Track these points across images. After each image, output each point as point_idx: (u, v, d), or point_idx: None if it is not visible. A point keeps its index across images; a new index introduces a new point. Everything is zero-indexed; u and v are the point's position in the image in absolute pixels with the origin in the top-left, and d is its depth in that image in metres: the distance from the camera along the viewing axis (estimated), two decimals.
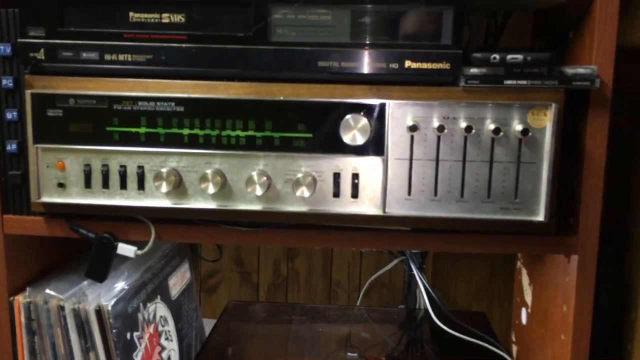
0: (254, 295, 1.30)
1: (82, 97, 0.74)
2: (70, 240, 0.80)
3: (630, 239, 0.82)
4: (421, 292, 1.06)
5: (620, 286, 0.85)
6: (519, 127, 0.70)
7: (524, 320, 1.00)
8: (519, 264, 1.05)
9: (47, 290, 0.82)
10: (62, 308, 0.81)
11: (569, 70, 0.69)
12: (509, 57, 0.68)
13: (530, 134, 0.70)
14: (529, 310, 0.97)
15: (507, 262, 1.19)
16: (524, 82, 0.69)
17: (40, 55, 0.74)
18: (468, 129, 0.70)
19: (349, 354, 1.01)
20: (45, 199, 0.76)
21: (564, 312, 0.79)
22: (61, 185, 0.76)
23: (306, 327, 1.11)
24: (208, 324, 1.12)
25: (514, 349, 1.05)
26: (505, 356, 0.95)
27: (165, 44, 0.73)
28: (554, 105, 0.69)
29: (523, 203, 0.72)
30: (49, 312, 0.82)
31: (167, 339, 0.97)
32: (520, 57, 0.68)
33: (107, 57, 0.74)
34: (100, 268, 0.78)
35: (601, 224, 0.74)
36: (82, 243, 0.81)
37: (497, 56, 0.69)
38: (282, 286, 1.29)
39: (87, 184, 0.75)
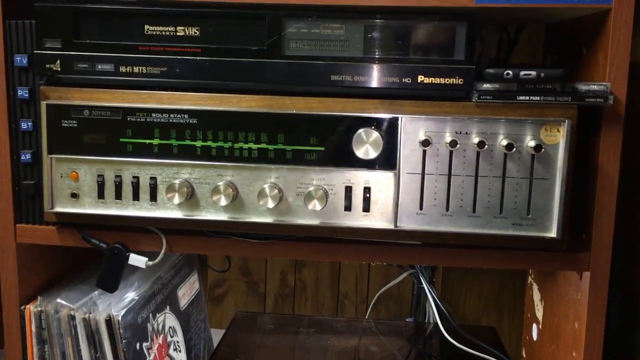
0: (260, 306, 1.29)
1: (96, 108, 0.74)
2: (82, 250, 0.81)
3: (637, 252, 0.82)
4: (431, 305, 1.05)
5: (627, 299, 0.84)
6: (531, 143, 0.70)
7: (534, 336, 0.99)
8: (530, 279, 1.04)
9: (58, 300, 0.82)
10: (72, 317, 0.81)
11: (582, 87, 0.69)
12: (522, 73, 0.68)
13: (543, 150, 0.70)
14: (540, 326, 0.97)
15: (517, 277, 1.19)
16: (537, 98, 0.69)
17: (56, 66, 0.75)
18: (481, 144, 0.70)
19: None
20: (58, 208, 0.76)
21: (575, 329, 0.78)
22: (74, 195, 0.76)
23: (314, 339, 1.11)
24: (215, 334, 1.12)
25: None
26: None
27: (179, 57, 0.74)
28: (567, 121, 0.69)
29: (535, 219, 0.72)
30: (59, 322, 0.82)
31: (175, 349, 0.97)
32: (533, 73, 0.68)
33: (122, 69, 0.74)
34: (111, 278, 0.78)
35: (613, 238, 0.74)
36: (94, 253, 0.81)
37: (510, 72, 0.69)
38: (290, 297, 1.28)
39: (100, 194, 0.76)
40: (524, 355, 1.05)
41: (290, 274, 1.27)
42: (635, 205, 0.84)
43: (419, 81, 0.72)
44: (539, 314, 0.97)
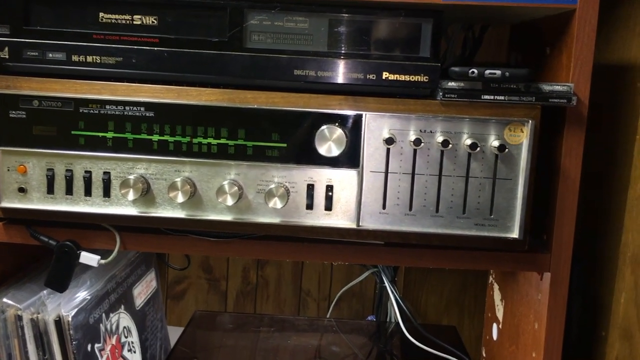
0: (222, 303, 1.27)
1: (46, 98, 0.71)
2: (31, 247, 0.77)
3: (601, 260, 0.82)
4: (392, 304, 1.05)
5: (590, 304, 0.85)
6: (495, 143, 0.69)
7: (494, 336, 1.00)
8: (491, 279, 1.05)
9: (5, 299, 0.78)
10: (19, 318, 0.78)
11: (546, 87, 0.69)
12: (487, 72, 0.68)
13: (507, 150, 0.69)
14: (500, 326, 0.97)
15: (479, 277, 1.19)
16: (502, 97, 0.69)
17: (4, 54, 0.71)
18: (445, 143, 0.69)
19: None
20: (5, 204, 0.73)
21: (535, 330, 0.78)
22: (22, 190, 0.72)
23: (275, 338, 1.09)
24: (174, 332, 1.09)
25: None
26: None
27: (135, 47, 0.71)
28: (530, 121, 0.69)
29: (498, 220, 0.71)
30: (5, 322, 0.78)
31: (130, 350, 0.93)
32: (498, 72, 0.68)
33: (75, 58, 0.71)
34: (61, 277, 0.75)
35: (574, 241, 0.74)
36: (44, 251, 0.78)
37: (476, 71, 0.68)
38: (251, 294, 1.26)
39: (50, 189, 0.72)
40: (484, 355, 1.05)
41: (252, 271, 1.25)
42: (600, 209, 0.84)
43: (383, 78, 0.71)
44: (499, 314, 0.97)
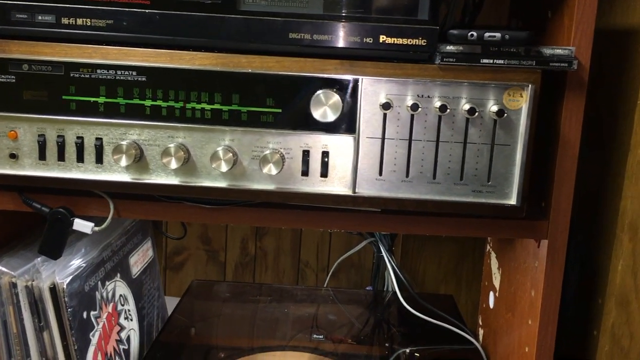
0: (220, 274, 1.27)
1: (36, 62, 0.69)
2: (24, 214, 0.76)
3: (600, 228, 0.82)
4: (389, 274, 1.05)
5: (587, 272, 0.85)
6: (494, 108, 0.68)
7: (491, 304, 1.00)
8: (488, 247, 1.04)
9: None
10: (14, 285, 0.77)
11: (547, 51, 0.67)
12: (487, 34, 0.66)
13: (505, 115, 0.68)
14: (497, 295, 0.97)
15: (477, 245, 1.19)
16: (501, 61, 0.67)
17: None
18: (442, 108, 0.68)
19: (315, 336, 1.00)
20: None
21: (532, 298, 0.78)
22: (13, 156, 0.71)
23: (272, 308, 1.09)
24: (173, 303, 1.09)
25: (481, 332, 1.05)
26: (472, 339, 0.95)
27: (127, 9, 0.69)
28: (530, 86, 0.67)
29: (495, 186, 0.70)
30: (0, 289, 0.77)
31: (126, 318, 0.93)
32: (498, 35, 0.66)
33: (65, 21, 0.69)
34: (54, 244, 0.74)
35: (573, 209, 0.73)
36: (38, 218, 0.77)
37: (475, 33, 0.66)
38: (250, 265, 1.27)
39: (42, 155, 0.71)
40: (480, 323, 1.06)
41: (251, 242, 1.25)
42: (601, 182, 0.83)
43: (381, 41, 0.69)
44: (496, 282, 0.97)
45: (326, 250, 1.26)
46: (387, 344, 1.00)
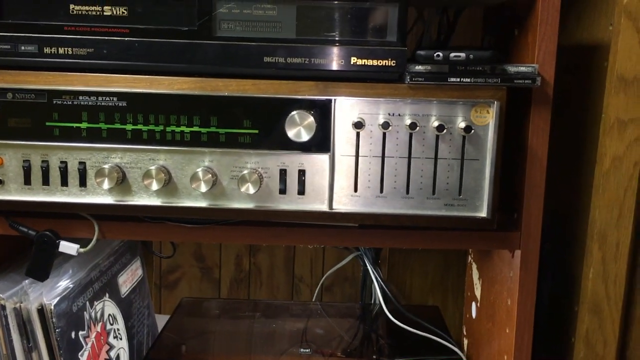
0: (215, 291, 1.28)
1: (20, 91, 0.72)
2: (12, 238, 0.78)
3: (573, 235, 0.84)
4: (375, 287, 1.06)
5: (563, 281, 0.87)
6: (462, 125, 0.71)
7: (474, 314, 1.02)
8: (469, 258, 1.06)
9: None
10: (3, 307, 0.79)
11: (511, 69, 0.70)
12: (452, 54, 0.69)
13: (473, 131, 0.71)
14: (478, 305, 0.99)
15: (461, 257, 1.21)
16: (468, 79, 0.70)
17: None
18: (413, 125, 0.70)
19: (302, 350, 1.02)
20: None
21: (508, 306, 0.80)
22: None
23: (261, 323, 1.11)
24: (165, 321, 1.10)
25: (465, 342, 1.06)
26: (456, 350, 0.97)
27: (106, 37, 0.71)
28: (496, 102, 0.70)
29: (467, 199, 0.73)
30: None
31: (115, 337, 0.95)
32: (462, 55, 0.69)
33: (47, 50, 0.72)
34: (41, 266, 0.76)
35: (545, 221, 0.76)
36: (24, 241, 0.79)
37: (441, 54, 0.69)
38: (244, 281, 1.28)
39: (27, 180, 0.73)
40: (465, 333, 1.07)
41: (245, 259, 1.27)
42: (573, 189, 0.86)
43: (352, 63, 0.72)
44: (478, 293, 0.99)
45: (320, 265, 1.27)
46: (374, 356, 1.01)
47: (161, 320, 1.13)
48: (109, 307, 0.94)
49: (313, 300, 1.23)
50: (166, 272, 1.28)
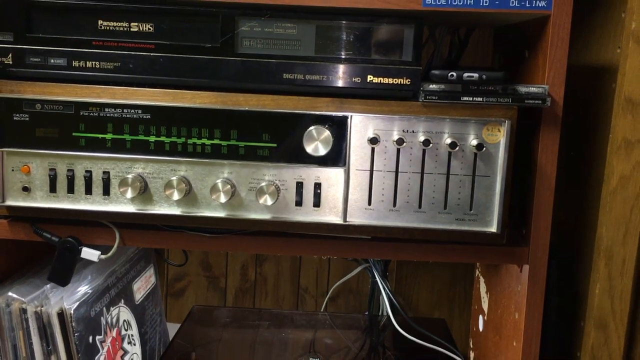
0: (221, 300, 1.30)
1: (49, 102, 0.74)
2: (35, 243, 0.81)
3: (580, 251, 0.86)
4: (384, 299, 1.08)
5: (570, 296, 0.89)
6: (474, 142, 0.73)
7: (480, 327, 1.03)
8: (477, 272, 1.08)
9: (10, 293, 0.82)
10: (24, 311, 0.81)
11: (522, 89, 0.73)
12: (465, 75, 0.71)
13: (484, 148, 0.73)
14: (485, 318, 1.00)
15: (468, 271, 1.23)
16: (480, 99, 0.72)
17: (8, 60, 0.74)
18: (426, 142, 0.73)
19: (312, 359, 1.03)
20: (10, 202, 0.76)
21: (516, 320, 0.82)
22: (26, 189, 0.76)
23: (270, 332, 1.12)
24: (174, 329, 1.12)
25: (472, 355, 1.08)
26: None
27: (133, 52, 0.74)
28: (507, 121, 0.72)
29: (477, 214, 0.75)
30: (10, 315, 0.82)
31: (130, 342, 0.97)
32: (475, 75, 0.71)
33: (75, 63, 0.75)
34: (63, 272, 0.78)
35: (553, 237, 0.78)
36: (47, 247, 0.81)
37: (454, 74, 0.72)
38: (250, 291, 1.29)
39: (52, 188, 0.76)
40: (471, 346, 1.09)
41: (251, 268, 1.28)
42: (581, 206, 0.88)
43: (368, 81, 0.74)
44: (485, 306, 1.01)
45: (325, 276, 1.29)
46: None
47: (168, 328, 1.15)
48: (124, 312, 0.96)
49: (322, 310, 1.25)
50: (173, 280, 1.30)
